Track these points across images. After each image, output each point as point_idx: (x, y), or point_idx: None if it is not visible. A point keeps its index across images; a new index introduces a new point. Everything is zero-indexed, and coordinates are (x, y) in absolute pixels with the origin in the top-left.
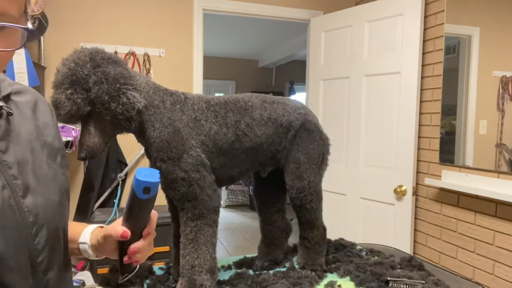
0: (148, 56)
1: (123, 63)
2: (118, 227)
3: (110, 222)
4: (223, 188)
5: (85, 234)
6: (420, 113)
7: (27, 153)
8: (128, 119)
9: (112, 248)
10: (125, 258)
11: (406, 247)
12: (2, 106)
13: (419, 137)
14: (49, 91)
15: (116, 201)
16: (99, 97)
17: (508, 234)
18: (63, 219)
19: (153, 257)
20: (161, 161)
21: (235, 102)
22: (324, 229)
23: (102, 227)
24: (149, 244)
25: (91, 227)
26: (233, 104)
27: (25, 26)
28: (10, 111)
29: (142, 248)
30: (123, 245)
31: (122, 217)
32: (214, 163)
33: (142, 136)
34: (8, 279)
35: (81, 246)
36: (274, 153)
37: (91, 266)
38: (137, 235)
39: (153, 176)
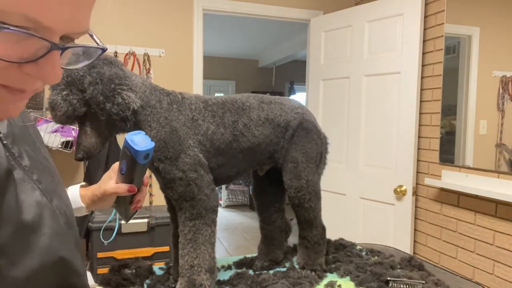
0: (148, 56)
1: (119, 63)
2: (123, 186)
3: (110, 221)
4: (223, 188)
5: (74, 200)
6: (420, 113)
7: (28, 144)
8: (124, 119)
9: (111, 202)
10: (132, 206)
11: (406, 247)
12: None
13: (419, 137)
14: (48, 91)
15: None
16: (94, 98)
17: (508, 234)
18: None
19: (153, 257)
20: (158, 161)
21: (233, 103)
22: (324, 228)
23: (83, 186)
24: (146, 190)
25: (73, 193)
26: (230, 105)
27: (103, 47)
28: None
29: (144, 196)
30: (125, 198)
31: (119, 176)
32: (211, 163)
33: None
34: (76, 282)
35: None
36: (272, 153)
37: (91, 266)
38: (139, 188)
39: (147, 140)
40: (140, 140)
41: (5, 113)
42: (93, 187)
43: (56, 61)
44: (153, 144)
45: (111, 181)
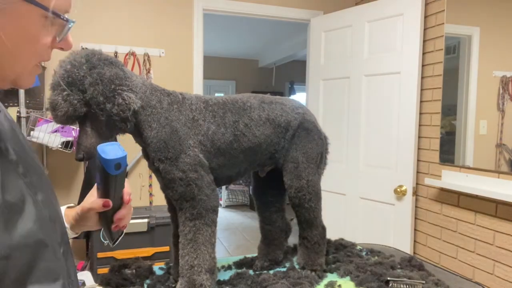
0: (148, 56)
1: (119, 64)
2: (98, 201)
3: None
4: (223, 188)
5: None
6: (420, 113)
7: (16, 144)
8: (124, 119)
9: (94, 221)
10: (113, 226)
11: (406, 247)
12: None
13: (419, 137)
14: (48, 91)
15: None
16: (94, 98)
17: (508, 234)
18: (61, 213)
19: (153, 257)
20: (158, 161)
21: (234, 103)
22: (324, 228)
23: (69, 207)
24: (129, 209)
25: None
26: (231, 105)
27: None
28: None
29: (126, 214)
30: (106, 216)
31: (96, 191)
32: (212, 163)
33: (139, 137)
34: (54, 266)
35: None
36: (273, 153)
37: (91, 266)
38: (117, 204)
39: (118, 150)
40: (111, 150)
41: (32, 82)
42: (78, 206)
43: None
44: (125, 153)
45: (92, 198)
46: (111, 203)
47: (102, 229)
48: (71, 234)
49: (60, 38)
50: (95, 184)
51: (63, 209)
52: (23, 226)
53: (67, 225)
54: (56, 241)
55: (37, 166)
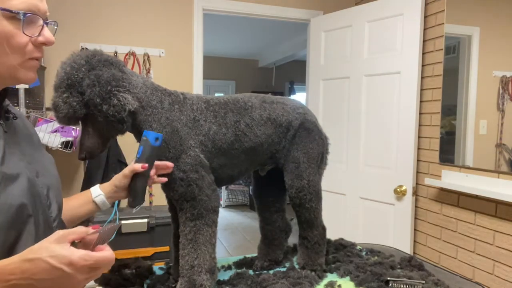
0: (148, 56)
1: (119, 64)
2: (137, 164)
3: (110, 222)
4: (223, 188)
5: (95, 191)
6: (420, 113)
7: (29, 145)
8: (120, 120)
9: (125, 188)
10: (150, 182)
11: (406, 247)
12: (10, 110)
13: (419, 137)
14: (49, 91)
15: (116, 201)
16: (92, 100)
17: (508, 234)
18: (62, 199)
19: (153, 257)
20: (159, 161)
21: (235, 102)
22: (324, 228)
23: (101, 184)
24: (167, 165)
25: (96, 187)
26: (232, 104)
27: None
28: (16, 115)
29: (165, 167)
30: (140, 179)
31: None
32: (213, 163)
33: (140, 136)
34: (37, 232)
35: (97, 199)
36: (274, 153)
37: None
38: (149, 171)
39: (158, 133)
40: (153, 131)
41: (31, 77)
42: (118, 175)
43: (47, 29)
44: (161, 134)
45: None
46: (147, 166)
47: (130, 193)
48: (108, 204)
49: (36, 33)
50: (134, 159)
51: (96, 187)
52: (11, 191)
53: (103, 193)
54: (46, 214)
55: (45, 160)
